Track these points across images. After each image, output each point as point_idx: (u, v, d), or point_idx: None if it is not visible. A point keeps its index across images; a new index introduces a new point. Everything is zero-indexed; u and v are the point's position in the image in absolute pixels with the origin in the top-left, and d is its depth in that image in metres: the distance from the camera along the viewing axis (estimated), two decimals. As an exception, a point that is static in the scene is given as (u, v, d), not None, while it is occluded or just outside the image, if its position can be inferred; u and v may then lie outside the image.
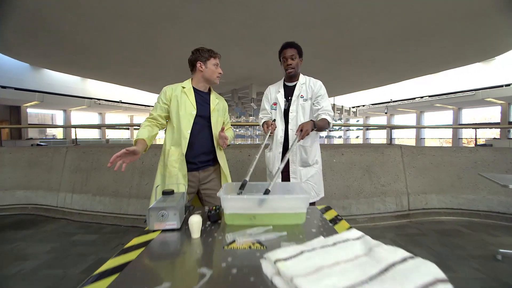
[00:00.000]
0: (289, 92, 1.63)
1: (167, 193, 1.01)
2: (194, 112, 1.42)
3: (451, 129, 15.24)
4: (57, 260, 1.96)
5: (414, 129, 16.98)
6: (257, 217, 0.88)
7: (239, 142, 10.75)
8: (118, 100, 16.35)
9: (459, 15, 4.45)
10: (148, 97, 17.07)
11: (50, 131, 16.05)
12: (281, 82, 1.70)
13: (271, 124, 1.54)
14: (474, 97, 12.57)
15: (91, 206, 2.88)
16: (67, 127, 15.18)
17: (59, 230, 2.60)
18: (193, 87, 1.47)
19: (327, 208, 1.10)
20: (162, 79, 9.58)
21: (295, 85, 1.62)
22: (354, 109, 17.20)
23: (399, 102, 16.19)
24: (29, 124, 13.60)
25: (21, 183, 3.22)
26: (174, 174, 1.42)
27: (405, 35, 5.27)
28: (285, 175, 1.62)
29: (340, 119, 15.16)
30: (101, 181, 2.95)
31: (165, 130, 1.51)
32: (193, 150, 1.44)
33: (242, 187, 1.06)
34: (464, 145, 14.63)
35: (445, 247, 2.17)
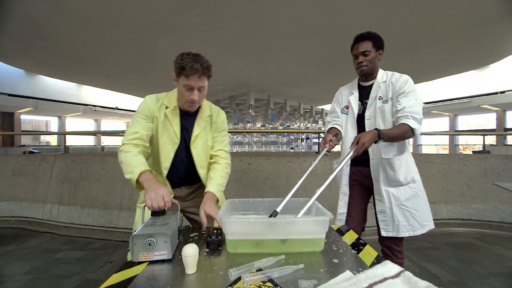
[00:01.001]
0: (364, 94, 1.32)
1: (157, 213, 0.84)
2: (177, 142, 1.11)
3: (448, 136, 15.29)
4: (35, 282, 1.75)
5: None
6: (265, 243, 0.72)
7: (237, 149, 10.58)
8: (114, 107, 16.16)
9: (455, 24, 4.46)
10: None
11: (44, 138, 15.73)
12: (355, 83, 1.39)
13: (330, 141, 1.21)
14: (470, 104, 12.67)
15: (79, 219, 2.67)
16: (58, 133, 14.90)
17: (42, 246, 2.38)
18: (179, 107, 1.11)
19: (345, 229, 0.95)
20: (159, 86, 9.49)
21: (372, 84, 1.30)
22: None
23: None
24: (22, 131, 13.31)
25: (4, 193, 3.01)
26: None
27: (402, 43, 5.26)
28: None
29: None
30: (91, 192, 2.76)
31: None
32: (175, 173, 1.15)
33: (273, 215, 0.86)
34: (460, 151, 14.66)
35: (461, 263, 2.01)
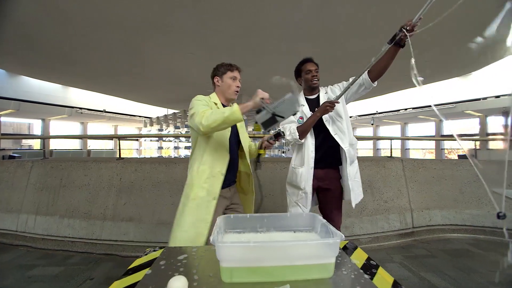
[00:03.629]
0: (312, 105, 1.56)
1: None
2: (229, 130, 1.34)
3: (434, 140, 15.71)
4: (4, 305, 1.57)
5: (399, 140, 17.38)
6: (267, 270, 0.62)
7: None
8: (101, 109, 15.68)
9: (441, 33, 4.57)
10: (134, 107, 16.49)
11: (26, 142, 15.00)
12: (301, 96, 1.62)
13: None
14: (455, 109, 13.09)
15: (57, 230, 2.47)
16: (40, 137, 14.27)
17: (15, 262, 2.17)
18: (222, 104, 1.38)
19: (352, 246, 0.86)
20: (150, 89, 9.26)
21: (317, 96, 1.59)
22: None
23: (384, 114, 16.60)
24: (2, 134, 12.63)
25: (-25, 203, 2.76)
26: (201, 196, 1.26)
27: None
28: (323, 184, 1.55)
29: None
30: (71, 201, 2.56)
31: (194, 148, 1.37)
32: (229, 169, 1.35)
33: None
34: (445, 155, 15.08)
35: (459, 271, 1.97)
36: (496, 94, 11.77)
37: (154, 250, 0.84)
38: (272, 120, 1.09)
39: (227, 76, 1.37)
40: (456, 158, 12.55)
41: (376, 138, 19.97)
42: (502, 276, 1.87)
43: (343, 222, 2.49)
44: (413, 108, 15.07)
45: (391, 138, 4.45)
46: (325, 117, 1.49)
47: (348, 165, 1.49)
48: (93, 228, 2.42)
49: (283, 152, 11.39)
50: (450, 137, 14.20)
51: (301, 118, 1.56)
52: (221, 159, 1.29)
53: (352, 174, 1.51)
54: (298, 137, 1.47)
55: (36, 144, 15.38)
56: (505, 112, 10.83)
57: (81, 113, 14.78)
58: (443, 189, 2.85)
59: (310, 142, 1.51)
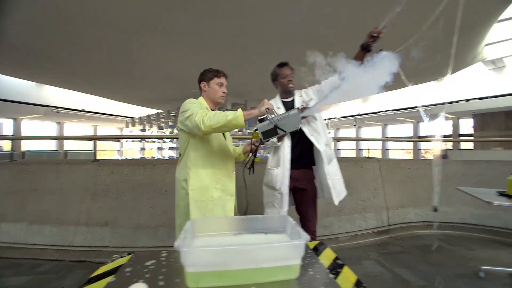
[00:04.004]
0: (287, 108, 1.60)
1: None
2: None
3: (410, 141, 16.50)
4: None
5: (380, 140, 18.07)
6: (233, 274, 0.62)
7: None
8: (80, 109, 14.95)
9: (418, 39, 4.82)
10: (115, 106, 15.87)
11: (-5, 142, 13.95)
12: (277, 99, 1.68)
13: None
14: (430, 112, 13.84)
15: (25, 238, 2.32)
16: (8, 139, 13.32)
17: (-25, 273, 2.01)
18: (210, 108, 1.40)
19: (321, 246, 0.88)
20: (134, 88, 8.96)
21: (292, 100, 1.64)
22: (326, 122, 17.86)
23: (365, 116, 17.21)
24: (-35, 134, 11.68)
25: None
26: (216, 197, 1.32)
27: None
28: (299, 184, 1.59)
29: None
30: (41, 206, 2.42)
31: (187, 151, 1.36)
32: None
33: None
34: (422, 155, 15.89)
35: (429, 266, 2.08)
36: (467, 98, 12.56)
37: (122, 256, 0.82)
38: (273, 132, 1.13)
39: (214, 82, 1.39)
40: (432, 158, 13.22)
41: (354, 139, 20.60)
42: (466, 269, 2.00)
43: (322, 222, 2.55)
44: (393, 110, 15.75)
45: (368, 139, 4.60)
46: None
47: (326, 164, 1.53)
48: (65, 234, 2.30)
49: (269, 153, 11.47)
50: (425, 138, 14.97)
51: None
52: (228, 159, 1.37)
53: (332, 173, 1.56)
54: (275, 139, 1.50)
55: (6, 145, 14.37)
56: (474, 115, 11.56)
57: (57, 112, 14.00)
58: (416, 187, 2.99)
59: (286, 143, 1.54)
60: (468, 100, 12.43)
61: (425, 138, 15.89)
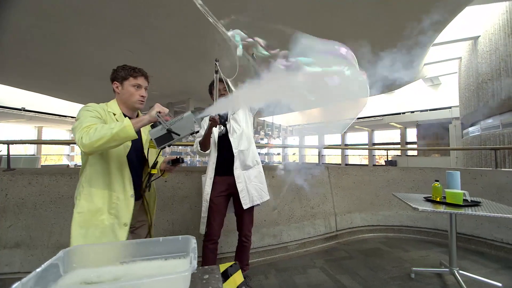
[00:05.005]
0: (225, 118, 1.65)
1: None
2: (129, 145, 1.18)
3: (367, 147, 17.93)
4: None
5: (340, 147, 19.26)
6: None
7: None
8: (20, 108, 13.05)
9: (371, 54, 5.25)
10: (61, 106, 14.19)
11: None
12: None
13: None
14: (382, 121, 15.22)
15: None
16: None
17: None
18: (123, 114, 1.21)
19: (233, 270, 0.80)
20: (79, 86, 8.10)
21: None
22: (291, 128, 18.43)
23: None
24: None
25: None
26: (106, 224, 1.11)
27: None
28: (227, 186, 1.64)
29: (279, 137, 15.95)
30: None
31: (85, 166, 1.16)
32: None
33: None
34: (376, 161, 17.33)
35: (369, 270, 2.16)
36: (412, 110, 14.11)
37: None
38: (167, 137, 1.02)
39: (129, 83, 1.19)
40: (383, 164, 14.50)
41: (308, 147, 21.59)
42: (400, 271, 2.12)
43: (271, 231, 2.51)
44: (350, 119, 16.95)
45: (317, 147, 4.79)
46: (229, 126, 1.64)
47: (239, 169, 1.62)
48: (-40, 261, 1.87)
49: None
50: (377, 145, 16.34)
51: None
52: (128, 180, 1.16)
53: (250, 178, 1.66)
54: (199, 148, 1.59)
55: None
56: (418, 125, 12.97)
57: (-14, 111, 12.05)
58: (362, 193, 3.16)
59: (213, 151, 1.65)
60: (412, 112, 13.97)
61: (378, 145, 17.46)
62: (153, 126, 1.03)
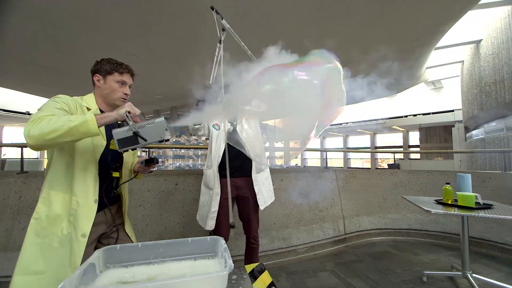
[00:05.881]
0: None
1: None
2: (104, 143, 1.05)
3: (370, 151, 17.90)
4: None
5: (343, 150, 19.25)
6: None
7: (179, 163, 9.84)
8: (24, 111, 13.10)
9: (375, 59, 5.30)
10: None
11: None
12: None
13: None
14: (385, 124, 15.23)
15: None
16: None
17: None
18: (100, 109, 1.09)
19: (259, 269, 0.81)
20: (83, 90, 8.14)
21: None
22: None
23: (329, 127, 18.26)
24: None
25: None
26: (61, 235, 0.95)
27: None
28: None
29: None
30: None
31: (49, 166, 1.01)
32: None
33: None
34: (379, 164, 17.28)
35: (379, 273, 2.15)
36: (414, 113, 14.11)
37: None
38: (133, 140, 0.92)
39: (113, 78, 1.07)
40: (386, 167, 14.46)
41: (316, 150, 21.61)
42: (411, 274, 2.11)
43: (281, 234, 2.51)
44: (353, 123, 16.98)
45: (326, 150, 4.80)
46: (239, 128, 1.60)
47: (253, 173, 1.63)
48: (-27, 263, 1.88)
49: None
50: (380, 148, 16.31)
51: (217, 125, 1.66)
52: (92, 184, 1.01)
53: (260, 180, 1.67)
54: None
55: None
56: (420, 128, 12.95)
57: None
58: (369, 196, 3.15)
59: (218, 149, 1.62)
60: (415, 115, 13.98)
61: (381, 148, 17.43)
62: (118, 126, 0.94)
